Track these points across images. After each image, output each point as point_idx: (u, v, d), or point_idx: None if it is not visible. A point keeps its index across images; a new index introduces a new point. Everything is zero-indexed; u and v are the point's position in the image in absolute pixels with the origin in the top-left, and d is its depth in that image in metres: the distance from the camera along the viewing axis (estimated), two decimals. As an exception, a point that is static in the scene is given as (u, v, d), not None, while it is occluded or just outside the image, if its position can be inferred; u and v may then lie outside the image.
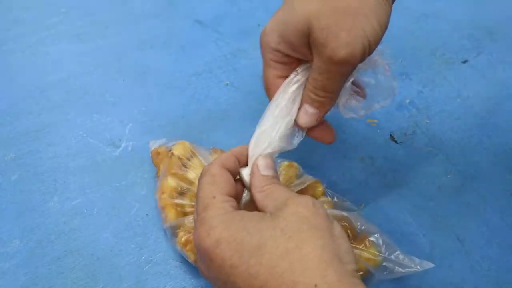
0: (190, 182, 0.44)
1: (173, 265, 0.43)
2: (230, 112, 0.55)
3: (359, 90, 0.40)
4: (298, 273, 0.28)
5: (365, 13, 0.32)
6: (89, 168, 0.50)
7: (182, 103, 0.56)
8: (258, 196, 0.34)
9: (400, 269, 0.39)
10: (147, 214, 0.47)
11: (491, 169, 0.50)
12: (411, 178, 0.49)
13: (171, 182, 0.44)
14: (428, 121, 0.54)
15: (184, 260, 0.44)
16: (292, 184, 0.44)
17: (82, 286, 0.42)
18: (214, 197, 0.32)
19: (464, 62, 0.60)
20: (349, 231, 0.41)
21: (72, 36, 0.64)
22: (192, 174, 0.44)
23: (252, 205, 0.35)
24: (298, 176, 0.45)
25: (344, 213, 0.41)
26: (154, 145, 0.49)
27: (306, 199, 0.31)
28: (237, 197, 0.35)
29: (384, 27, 0.33)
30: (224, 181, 0.33)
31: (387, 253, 0.39)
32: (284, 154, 0.40)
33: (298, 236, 0.29)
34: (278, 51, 0.37)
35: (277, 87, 0.38)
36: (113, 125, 0.54)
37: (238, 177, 0.37)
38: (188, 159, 0.45)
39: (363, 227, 0.41)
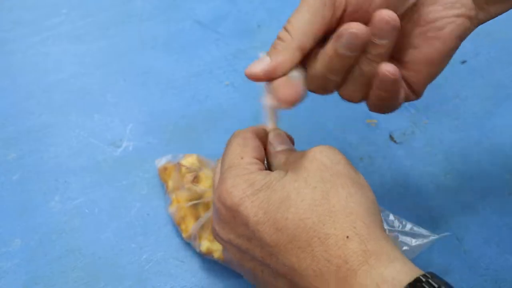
0: (200, 196, 0.44)
1: (174, 264, 0.44)
2: (230, 112, 0.55)
3: None
4: (329, 225, 0.27)
5: None
6: (90, 168, 0.50)
7: (183, 103, 0.57)
8: (280, 169, 0.32)
9: (417, 241, 0.38)
10: (148, 214, 0.47)
11: (490, 169, 0.50)
12: (410, 178, 0.49)
13: (183, 194, 0.44)
14: (427, 121, 0.54)
15: (185, 260, 0.44)
16: None
17: (83, 285, 0.42)
18: (242, 158, 0.31)
19: (463, 62, 0.60)
20: None
21: (73, 37, 0.64)
22: (201, 188, 0.44)
23: None
24: None
25: None
26: (160, 162, 0.48)
27: (324, 147, 0.30)
28: (264, 161, 0.33)
29: None
30: (255, 146, 0.32)
31: (400, 226, 0.39)
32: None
33: (322, 185, 0.28)
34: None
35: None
36: (114, 125, 0.54)
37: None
38: (198, 171, 0.45)
39: None
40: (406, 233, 0.39)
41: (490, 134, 0.53)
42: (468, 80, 0.58)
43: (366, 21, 0.30)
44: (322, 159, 0.29)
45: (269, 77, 0.31)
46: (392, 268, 0.26)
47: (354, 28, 0.29)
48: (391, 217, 0.40)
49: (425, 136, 0.53)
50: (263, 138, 0.34)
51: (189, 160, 0.46)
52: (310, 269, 0.27)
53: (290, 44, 0.30)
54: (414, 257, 0.41)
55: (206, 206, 0.43)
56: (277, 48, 0.30)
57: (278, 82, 0.31)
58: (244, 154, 0.32)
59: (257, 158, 0.32)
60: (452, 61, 0.54)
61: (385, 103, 0.33)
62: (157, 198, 0.48)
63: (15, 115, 0.55)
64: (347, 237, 0.27)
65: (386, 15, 0.29)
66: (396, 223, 0.40)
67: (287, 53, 0.30)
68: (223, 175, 0.31)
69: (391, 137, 0.53)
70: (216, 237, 0.33)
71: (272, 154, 0.34)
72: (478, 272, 0.43)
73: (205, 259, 0.43)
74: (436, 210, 0.47)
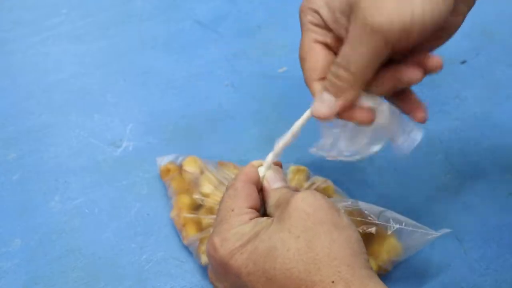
0: (205, 195, 0.44)
1: (174, 264, 0.44)
2: (230, 112, 0.56)
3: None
4: (314, 273, 0.28)
5: None
6: (90, 168, 0.50)
7: (183, 103, 0.57)
8: (271, 210, 0.34)
9: (418, 237, 0.39)
10: (148, 214, 0.47)
11: (490, 169, 0.50)
12: (410, 178, 0.49)
13: (186, 199, 0.44)
14: (427, 121, 0.54)
15: (184, 260, 0.44)
16: (302, 188, 0.44)
17: (83, 285, 0.42)
18: (232, 210, 0.33)
19: (463, 62, 0.60)
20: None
21: (73, 37, 0.64)
22: (205, 189, 0.44)
23: None
24: (307, 179, 0.46)
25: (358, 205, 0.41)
26: (162, 161, 0.48)
27: (306, 194, 0.31)
28: (258, 208, 0.35)
29: (433, 21, 0.28)
30: (245, 194, 0.34)
31: (403, 223, 0.40)
32: (287, 157, 0.39)
33: (305, 234, 0.29)
34: (318, 13, 0.32)
35: (314, 54, 0.33)
36: (114, 125, 0.54)
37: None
38: (200, 174, 0.45)
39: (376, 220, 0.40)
40: (411, 225, 0.40)
41: (490, 134, 0.53)
42: (468, 80, 0.58)
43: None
44: (304, 207, 0.31)
45: (335, 115, 0.32)
46: None
47: (416, 76, 0.32)
48: (392, 215, 0.40)
49: (425, 136, 0.53)
50: (257, 179, 0.36)
51: (191, 164, 0.46)
52: None
53: (353, 84, 0.31)
54: (415, 253, 0.41)
55: (209, 210, 0.43)
56: (340, 89, 0.31)
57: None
58: (235, 205, 0.33)
59: (249, 207, 0.33)
60: (452, 61, 0.54)
61: None
62: (157, 198, 0.48)
63: (15, 115, 0.55)
64: (333, 282, 0.28)
65: (438, 65, 0.32)
66: (397, 220, 0.40)
67: (351, 94, 0.31)
68: (215, 228, 0.33)
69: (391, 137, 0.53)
70: (214, 284, 0.35)
71: (267, 191, 0.35)
72: (478, 272, 0.43)
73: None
74: (436, 210, 0.47)
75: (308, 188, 0.44)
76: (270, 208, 0.34)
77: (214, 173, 0.45)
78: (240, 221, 0.32)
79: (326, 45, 0.33)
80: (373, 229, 0.40)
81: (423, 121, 0.35)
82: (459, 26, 0.34)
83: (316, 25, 0.33)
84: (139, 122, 0.55)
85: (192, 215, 0.43)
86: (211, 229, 0.41)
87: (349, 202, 0.41)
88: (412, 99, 0.35)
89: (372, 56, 0.29)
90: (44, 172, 0.50)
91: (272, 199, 0.34)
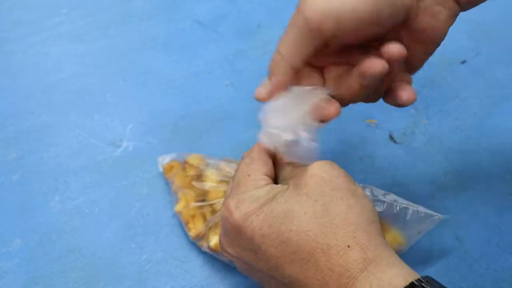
0: (206, 192, 0.44)
1: (174, 264, 0.44)
2: (230, 112, 0.56)
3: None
4: (330, 236, 0.29)
5: None
6: (90, 168, 0.50)
7: (183, 103, 0.57)
8: (284, 183, 0.34)
9: (429, 213, 0.40)
10: (148, 214, 0.47)
11: (490, 169, 0.50)
12: (410, 178, 0.49)
13: (191, 193, 0.44)
14: (427, 121, 0.54)
15: (184, 260, 0.44)
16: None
17: (83, 285, 0.42)
18: (248, 175, 0.33)
19: (463, 62, 0.60)
20: None
21: (73, 37, 0.64)
22: (207, 185, 0.44)
23: None
24: None
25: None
26: (164, 160, 0.48)
27: (323, 162, 0.32)
28: (273, 176, 0.35)
29: (362, 14, 0.30)
30: (262, 162, 0.34)
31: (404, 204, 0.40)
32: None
33: (322, 198, 0.30)
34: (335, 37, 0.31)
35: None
36: (114, 125, 0.54)
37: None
38: (204, 169, 0.45)
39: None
40: (412, 205, 0.41)
41: (490, 134, 0.53)
42: (468, 80, 0.59)
43: (360, 37, 0.32)
44: (321, 174, 0.31)
45: (272, 96, 0.34)
46: (390, 273, 0.28)
47: (376, 67, 0.31)
48: (395, 197, 0.41)
49: (425, 136, 0.53)
50: (271, 151, 0.36)
51: (194, 159, 0.46)
52: (314, 278, 0.29)
53: (282, 65, 0.33)
54: (419, 238, 0.41)
55: (213, 210, 0.43)
56: (272, 71, 0.34)
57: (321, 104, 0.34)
58: (251, 171, 0.33)
59: (264, 174, 0.34)
60: (452, 61, 0.54)
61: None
62: (157, 198, 0.48)
63: (15, 115, 0.55)
64: (348, 246, 0.28)
65: (395, 52, 0.31)
66: (401, 201, 0.41)
67: (281, 74, 0.33)
68: (231, 192, 0.33)
69: (391, 137, 0.53)
70: (223, 250, 0.34)
71: (280, 165, 0.35)
72: (478, 272, 0.43)
73: (205, 259, 0.44)
74: (436, 210, 0.47)
75: None
76: (283, 182, 0.34)
77: (219, 169, 0.45)
78: (256, 185, 0.32)
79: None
80: (381, 207, 0.40)
81: (408, 103, 0.35)
82: (443, 33, 0.34)
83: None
84: (139, 122, 0.55)
85: (201, 203, 0.43)
86: (217, 218, 0.42)
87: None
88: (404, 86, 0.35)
89: (299, 40, 0.31)
90: (44, 172, 0.50)
91: (285, 172, 0.35)
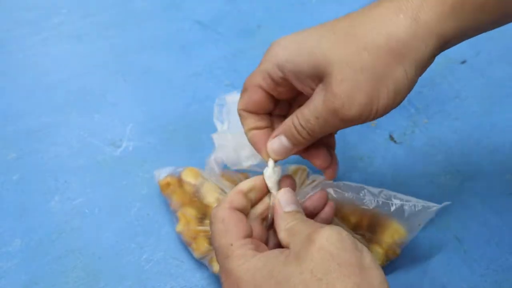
0: (206, 207, 0.43)
1: (174, 264, 0.44)
2: (230, 112, 0.56)
3: None
4: None
5: (387, 81, 0.31)
6: (90, 168, 0.50)
7: (183, 103, 0.57)
8: (283, 235, 0.32)
9: (426, 205, 0.40)
10: (148, 214, 0.47)
11: (490, 169, 0.50)
12: (410, 178, 0.49)
13: (191, 211, 0.43)
14: (427, 121, 0.54)
15: (184, 260, 0.44)
16: (305, 186, 0.44)
17: (83, 285, 0.42)
18: (231, 245, 0.31)
19: (463, 62, 0.60)
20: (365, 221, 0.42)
21: (73, 37, 0.64)
22: (208, 199, 0.43)
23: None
24: (307, 178, 0.45)
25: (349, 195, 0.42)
26: (160, 174, 0.46)
27: (331, 232, 0.30)
28: (252, 234, 0.33)
29: (399, 100, 0.32)
30: (236, 225, 0.32)
31: (404, 199, 0.40)
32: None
33: (328, 277, 0.28)
34: (282, 70, 0.34)
35: (257, 96, 0.36)
36: (114, 125, 0.54)
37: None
38: (201, 185, 0.44)
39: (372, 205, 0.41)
40: (409, 200, 0.41)
41: (490, 134, 0.53)
42: (468, 80, 0.59)
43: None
44: (329, 248, 0.29)
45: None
46: None
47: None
48: (391, 193, 0.41)
49: (425, 136, 0.53)
50: (241, 205, 0.34)
51: (190, 175, 0.45)
52: None
53: (310, 140, 0.35)
54: (419, 231, 0.41)
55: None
56: (300, 141, 0.35)
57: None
58: (231, 239, 0.31)
59: (245, 236, 0.32)
60: (452, 60, 0.54)
61: None
62: (157, 198, 0.48)
63: (15, 115, 0.55)
64: None
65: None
66: (397, 197, 0.41)
67: (306, 144, 0.36)
68: (223, 267, 0.31)
69: (391, 137, 0.53)
70: None
71: (279, 215, 0.33)
72: (478, 272, 0.43)
73: (205, 259, 0.44)
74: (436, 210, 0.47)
75: (310, 184, 0.44)
76: (281, 233, 0.32)
77: (216, 181, 0.44)
78: (245, 255, 0.30)
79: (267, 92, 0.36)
80: (377, 203, 0.41)
81: (331, 178, 0.39)
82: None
83: (272, 79, 0.35)
84: (139, 122, 0.55)
85: (202, 228, 0.42)
86: None
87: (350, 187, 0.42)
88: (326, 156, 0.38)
89: (335, 130, 0.35)
90: (44, 172, 0.50)
91: (284, 224, 0.33)
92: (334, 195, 0.41)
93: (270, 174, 0.35)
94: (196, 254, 0.42)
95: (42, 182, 0.49)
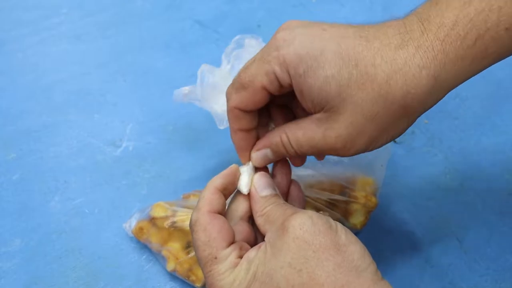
0: (189, 234, 0.42)
1: (174, 264, 0.44)
2: (230, 112, 0.55)
3: None
4: None
5: (390, 130, 0.31)
6: (90, 168, 0.50)
7: (183, 103, 0.56)
8: (259, 221, 0.32)
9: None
10: (147, 214, 0.47)
11: (490, 169, 0.50)
12: (410, 178, 0.49)
13: (175, 245, 0.42)
14: (427, 121, 0.54)
15: (184, 260, 0.44)
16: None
17: (83, 285, 0.42)
18: (215, 258, 0.31)
19: (463, 62, 0.60)
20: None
21: (73, 37, 0.64)
22: (186, 224, 0.42)
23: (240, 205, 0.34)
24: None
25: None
26: (130, 224, 0.44)
27: (303, 218, 0.30)
28: (234, 238, 0.33)
29: (392, 140, 0.33)
30: (218, 233, 0.31)
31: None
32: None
33: (307, 266, 0.28)
34: (290, 78, 0.32)
35: (256, 94, 0.33)
36: (114, 125, 0.54)
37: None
38: (173, 214, 0.42)
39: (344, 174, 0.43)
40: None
41: (490, 134, 0.53)
42: (468, 80, 0.58)
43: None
44: (303, 235, 0.29)
45: None
46: None
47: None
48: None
49: (425, 136, 0.53)
50: (221, 207, 0.33)
51: (159, 210, 0.43)
52: None
53: (294, 155, 0.35)
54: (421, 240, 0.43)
55: None
56: (284, 155, 0.35)
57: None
58: (214, 251, 0.31)
59: (228, 244, 0.31)
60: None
61: None
62: (157, 198, 0.48)
63: (15, 115, 0.55)
64: None
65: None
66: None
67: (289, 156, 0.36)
68: (207, 281, 0.31)
69: (391, 137, 0.53)
70: None
71: (255, 200, 0.33)
72: (478, 272, 0.43)
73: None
74: (436, 210, 0.47)
75: None
76: (258, 219, 0.33)
77: (187, 205, 0.43)
78: (229, 266, 0.30)
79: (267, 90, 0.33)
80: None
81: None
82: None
83: (272, 82, 0.32)
84: (139, 122, 0.55)
85: (192, 255, 0.41)
86: None
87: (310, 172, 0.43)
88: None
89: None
90: (44, 172, 0.50)
91: (260, 208, 0.33)
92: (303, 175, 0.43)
93: (247, 169, 0.35)
94: (199, 285, 0.41)
95: (42, 182, 0.49)
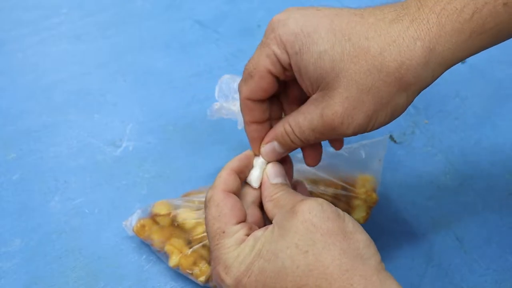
0: (190, 232, 0.42)
1: (174, 264, 0.44)
2: (230, 112, 0.55)
3: None
4: None
5: (388, 105, 0.31)
6: (90, 168, 0.50)
7: (183, 103, 0.57)
8: (268, 206, 0.33)
9: (371, 142, 0.44)
10: (147, 214, 0.47)
11: (490, 169, 0.50)
12: (410, 178, 0.49)
13: (178, 242, 0.42)
14: (427, 121, 0.54)
15: (184, 260, 0.44)
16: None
17: (83, 285, 0.42)
18: (223, 232, 0.31)
19: (463, 62, 0.60)
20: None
21: (73, 37, 0.64)
22: (188, 223, 0.42)
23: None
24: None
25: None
26: (131, 222, 0.43)
27: (313, 204, 0.30)
28: (245, 218, 0.33)
29: (392, 120, 0.33)
30: (230, 210, 0.32)
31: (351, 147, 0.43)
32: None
33: (313, 248, 0.28)
34: (289, 58, 0.32)
35: (263, 79, 0.33)
36: (114, 125, 0.54)
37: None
38: (176, 212, 0.42)
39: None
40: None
41: (490, 134, 0.53)
42: (468, 80, 0.59)
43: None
44: (312, 219, 0.29)
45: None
46: None
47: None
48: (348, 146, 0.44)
49: (425, 136, 0.53)
50: (235, 187, 0.34)
51: (162, 208, 0.43)
52: None
53: (301, 145, 0.35)
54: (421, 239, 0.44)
55: (207, 247, 0.41)
56: (291, 146, 0.35)
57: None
58: (224, 226, 0.31)
59: (238, 221, 0.32)
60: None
61: None
62: (157, 198, 0.48)
63: (15, 115, 0.55)
64: None
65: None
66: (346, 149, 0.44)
67: (296, 148, 0.36)
68: (213, 254, 0.32)
69: (391, 137, 0.53)
70: None
71: (266, 186, 0.34)
72: (478, 272, 0.43)
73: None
74: (436, 210, 0.47)
75: None
76: (267, 204, 0.33)
77: (188, 201, 0.43)
78: (236, 242, 0.31)
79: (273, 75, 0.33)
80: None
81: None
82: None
83: (278, 61, 0.32)
84: (139, 122, 0.55)
85: (197, 245, 0.41)
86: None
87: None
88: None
89: (326, 139, 0.35)
90: (44, 172, 0.50)
91: (270, 194, 0.34)
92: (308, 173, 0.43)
93: (259, 163, 0.36)
94: (202, 279, 0.40)
95: (42, 182, 0.49)
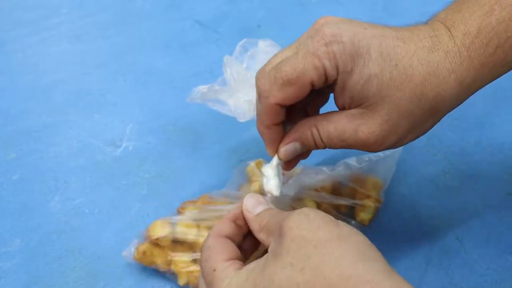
0: (193, 245, 0.41)
1: (174, 264, 0.44)
2: (230, 112, 0.55)
3: None
4: None
5: (417, 129, 0.33)
6: (90, 167, 0.50)
7: (183, 103, 0.56)
8: (262, 237, 0.32)
9: (386, 155, 0.44)
10: (147, 214, 0.47)
11: (490, 169, 0.50)
12: (410, 178, 0.49)
13: (182, 260, 0.41)
14: (427, 121, 0.54)
15: (184, 260, 0.44)
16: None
17: (83, 285, 0.42)
18: (214, 270, 0.31)
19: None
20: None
21: (73, 37, 0.64)
22: (189, 236, 0.41)
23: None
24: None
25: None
26: (130, 251, 0.42)
27: (297, 217, 0.29)
28: (237, 257, 0.33)
29: (416, 139, 0.35)
30: (220, 249, 0.32)
31: (366, 158, 0.43)
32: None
33: (309, 263, 0.27)
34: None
35: (302, 88, 0.32)
36: (114, 125, 0.54)
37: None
38: (174, 230, 0.42)
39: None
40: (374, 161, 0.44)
41: (490, 134, 0.53)
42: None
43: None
44: (301, 233, 0.28)
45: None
46: None
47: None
48: (350, 160, 0.44)
49: (425, 136, 0.53)
50: (230, 232, 0.34)
51: (158, 230, 0.42)
52: None
53: (322, 148, 0.36)
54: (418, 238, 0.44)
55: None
56: (312, 147, 0.36)
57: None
58: (214, 264, 0.31)
59: (228, 259, 0.31)
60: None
61: None
62: (157, 198, 0.48)
63: (14, 115, 0.55)
64: None
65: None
66: (360, 161, 0.44)
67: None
68: None
69: (391, 137, 0.53)
70: None
71: (251, 220, 0.33)
72: (478, 272, 0.43)
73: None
74: (436, 210, 0.47)
75: None
76: (260, 235, 0.32)
77: (185, 218, 0.42)
78: (227, 275, 0.30)
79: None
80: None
81: None
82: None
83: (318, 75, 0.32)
84: (139, 122, 0.55)
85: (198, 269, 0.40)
86: None
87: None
88: None
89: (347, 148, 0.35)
90: (44, 172, 0.50)
91: (258, 225, 0.33)
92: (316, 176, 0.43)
93: (273, 170, 0.37)
94: None
95: (42, 182, 0.49)
